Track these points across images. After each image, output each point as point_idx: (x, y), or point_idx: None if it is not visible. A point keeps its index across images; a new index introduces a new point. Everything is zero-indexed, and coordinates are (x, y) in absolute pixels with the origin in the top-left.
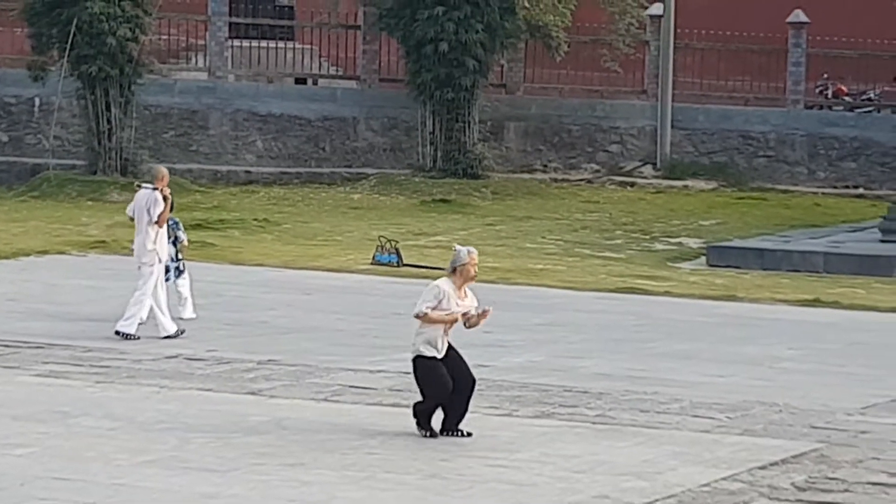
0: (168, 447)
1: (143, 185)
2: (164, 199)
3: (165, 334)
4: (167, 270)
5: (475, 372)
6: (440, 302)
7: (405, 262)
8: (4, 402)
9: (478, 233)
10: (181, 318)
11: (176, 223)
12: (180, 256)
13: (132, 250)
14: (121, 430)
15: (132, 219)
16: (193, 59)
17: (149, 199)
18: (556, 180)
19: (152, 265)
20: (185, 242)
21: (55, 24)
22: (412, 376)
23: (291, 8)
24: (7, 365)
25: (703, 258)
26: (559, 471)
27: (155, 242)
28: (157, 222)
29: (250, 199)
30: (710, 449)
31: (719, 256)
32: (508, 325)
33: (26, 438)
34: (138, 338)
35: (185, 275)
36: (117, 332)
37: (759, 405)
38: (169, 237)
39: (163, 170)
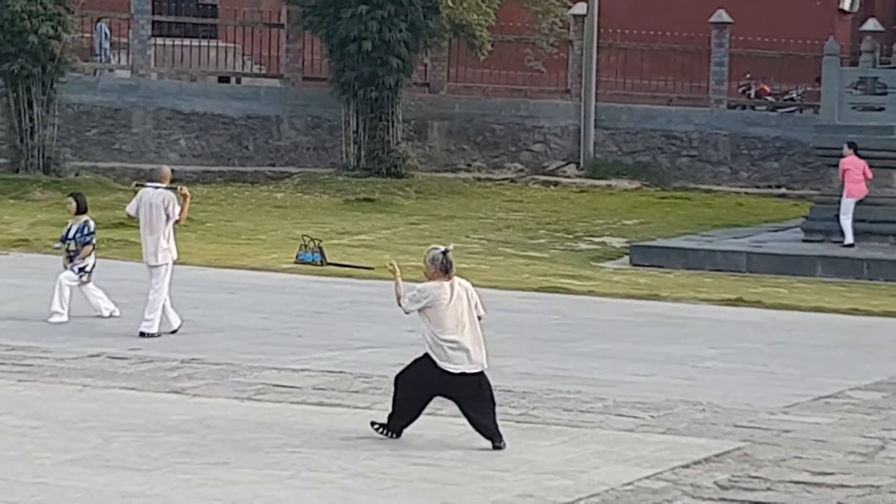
0: (91, 446)
1: (147, 184)
2: (184, 196)
3: (174, 328)
4: (86, 271)
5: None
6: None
7: (329, 261)
8: None
9: (401, 232)
10: (102, 316)
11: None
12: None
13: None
14: (44, 428)
15: (131, 217)
16: (116, 57)
17: (165, 198)
18: (479, 179)
19: (167, 263)
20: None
21: None
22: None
23: (215, 6)
24: None
25: (627, 257)
26: (483, 469)
27: (168, 241)
28: (178, 220)
29: None
30: (633, 448)
31: (643, 256)
32: None
33: None
34: (160, 335)
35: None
36: (142, 334)
37: (683, 404)
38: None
39: (167, 168)
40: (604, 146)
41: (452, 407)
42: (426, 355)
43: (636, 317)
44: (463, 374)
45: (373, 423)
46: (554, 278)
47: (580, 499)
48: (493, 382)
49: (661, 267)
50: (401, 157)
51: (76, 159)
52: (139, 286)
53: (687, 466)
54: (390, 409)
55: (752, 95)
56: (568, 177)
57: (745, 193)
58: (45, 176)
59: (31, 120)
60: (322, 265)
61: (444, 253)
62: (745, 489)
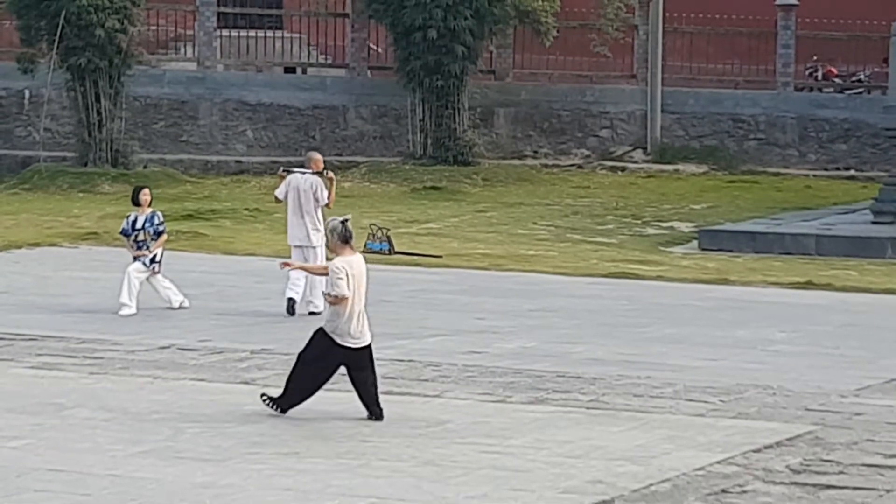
0: (162, 437)
1: (294, 169)
2: (330, 180)
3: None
4: (155, 261)
5: (469, 358)
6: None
7: (396, 249)
8: None
9: (469, 219)
10: (172, 307)
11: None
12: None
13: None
14: (115, 420)
15: (279, 200)
16: (182, 50)
17: (313, 184)
18: (546, 166)
19: (320, 245)
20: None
21: (44, 16)
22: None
23: None
24: (1, 357)
25: (695, 242)
26: (553, 456)
27: (319, 224)
28: (327, 204)
29: (241, 189)
30: (703, 433)
31: (711, 240)
32: (501, 311)
33: (21, 431)
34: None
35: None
36: (311, 313)
37: (753, 388)
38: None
39: (318, 155)
40: (671, 131)
41: (522, 394)
42: (325, 334)
43: (705, 301)
44: (361, 347)
45: (262, 395)
46: (622, 264)
47: (651, 484)
48: (562, 369)
49: (730, 251)
50: (467, 145)
51: (144, 152)
52: (208, 277)
53: (758, 451)
54: (284, 386)
55: (820, 77)
56: (635, 162)
57: (814, 176)
58: (113, 169)
59: (99, 113)
60: (390, 254)
61: (343, 223)
62: (817, 473)
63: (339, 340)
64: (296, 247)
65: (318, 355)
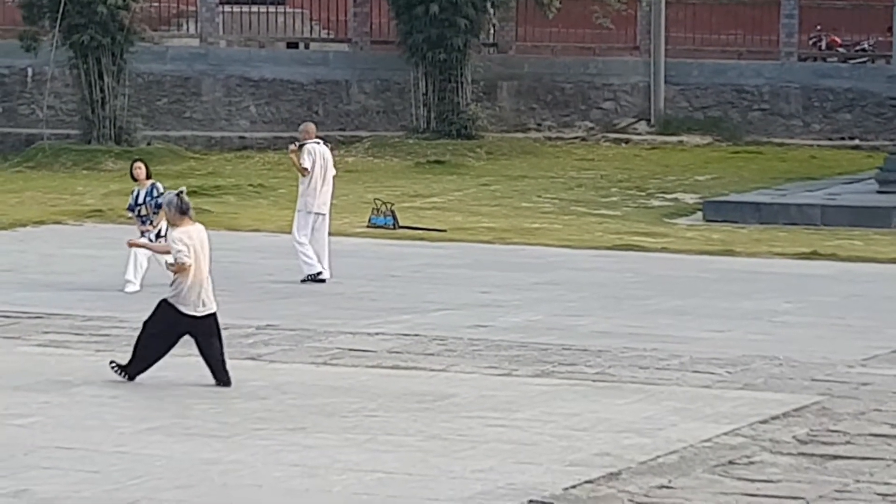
0: (169, 414)
1: (307, 141)
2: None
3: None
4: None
5: (475, 331)
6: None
7: (401, 224)
8: (5, 372)
9: (473, 193)
10: None
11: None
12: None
13: (326, 204)
14: (122, 398)
15: (306, 170)
16: (185, 26)
17: (329, 152)
18: (550, 139)
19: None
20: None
21: None
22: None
23: None
24: (7, 335)
25: (700, 213)
26: (560, 429)
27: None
28: (334, 174)
29: (245, 165)
30: (710, 404)
31: (716, 211)
32: (506, 284)
33: (28, 408)
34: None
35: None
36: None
37: (759, 359)
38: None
39: (312, 125)
40: (674, 102)
41: (528, 367)
42: (169, 304)
43: (710, 273)
44: (206, 315)
45: (111, 363)
46: (627, 236)
47: (658, 456)
48: (568, 342)
49: (735, 222)
50: (470, 119)
51: (147, 129)
52: (213, 253)
53: (765, 422)
54: (132, 353)
55: (823, 47)
56: (639, 134)
57: (818, 146)
58: (116, 146)
59: (102, 90)
60: (394, 228)
61: (179, 195)
62: (825, 443)
63: (183, 309)
64: (317, 213)
65: (163, 326)
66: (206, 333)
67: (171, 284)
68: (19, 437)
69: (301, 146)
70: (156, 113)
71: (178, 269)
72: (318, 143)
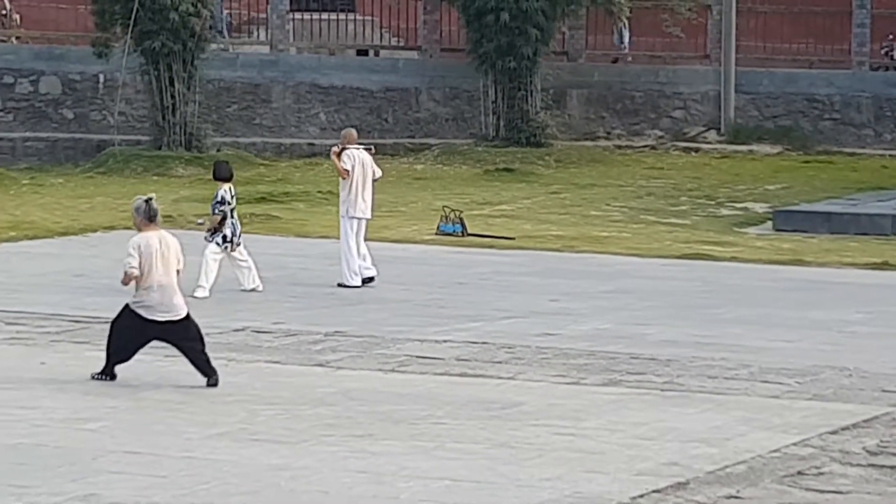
0: (237, 419)
1: (348, 146)
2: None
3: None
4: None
5: (543, 340)
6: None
7: (469, 231)
8: (74, 377)
9: (541, 201)
10: (245, 289)
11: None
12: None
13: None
14: (190, 403)
15: (348, 174)
16: (255, 33)
17: (368, 157)
18: (619, 147)
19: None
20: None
21: (118, 0)
22: None
23: None
24: (77, 340)
25: (770, 223)
26: (628, 438)
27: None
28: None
29: (314, 172)
30: (779, 414)
31: (786, 221)
32: (574, 293)
33: (97, 413)
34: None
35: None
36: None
37: (829, 369)
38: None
39: (354, 131)
40: (744, 111)
41: (596, 375)
42: (132, 310)
43: (780, 282)
44: (170, 321)
45: (92, 376)
46: (696, 245)
47: (726, 466)
48: (636, 350)
49: (805, 232)
50: (540, 127)
51: (217, 135)
52: (281, 260)
53: (835, 432)
54: (105, 357)
55: (895, 57)
56: (709, 142)
57: (890, 156)
58: (187, 152)
59: (173, 97)
60: (463, 236)
61: (147, 201)
62: (895, 454)
63: (146, 315)
64: (357, 219)
65: (130, 333)
66: (183, 338)
67: (135, 289)
68: (88, 442)
69: (342, 151)
70: (226, 119)
71: (125, 279)
72: (359, 148)
